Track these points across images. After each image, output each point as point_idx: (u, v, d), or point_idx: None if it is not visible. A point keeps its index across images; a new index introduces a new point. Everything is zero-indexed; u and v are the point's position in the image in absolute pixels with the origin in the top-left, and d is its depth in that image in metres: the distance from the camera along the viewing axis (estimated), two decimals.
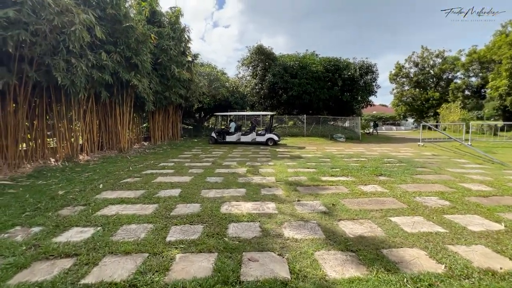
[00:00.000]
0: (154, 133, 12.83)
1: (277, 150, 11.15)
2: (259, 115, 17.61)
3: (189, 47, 14.27)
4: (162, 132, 13.45)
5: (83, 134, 8.73)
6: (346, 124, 20.92)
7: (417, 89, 35.75)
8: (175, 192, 4.63)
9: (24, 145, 7.00)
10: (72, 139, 7.66)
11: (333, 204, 3.93)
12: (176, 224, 3.22)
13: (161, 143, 13.04)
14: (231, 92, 17.28)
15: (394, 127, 51.55)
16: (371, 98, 21.35)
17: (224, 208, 3.78)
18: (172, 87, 12.19)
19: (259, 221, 3.32)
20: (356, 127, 18.01)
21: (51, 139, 7.72)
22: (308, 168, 6.92)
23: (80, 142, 8.67)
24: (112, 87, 8.81)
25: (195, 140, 15.70)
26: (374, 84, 20.70)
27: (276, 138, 12.72)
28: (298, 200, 4.17)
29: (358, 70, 19.30)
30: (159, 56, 11.31)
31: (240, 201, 4.11)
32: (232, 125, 13.36)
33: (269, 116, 14.40)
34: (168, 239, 2.83)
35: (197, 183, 5.24)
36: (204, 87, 14.72)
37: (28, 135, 6.99)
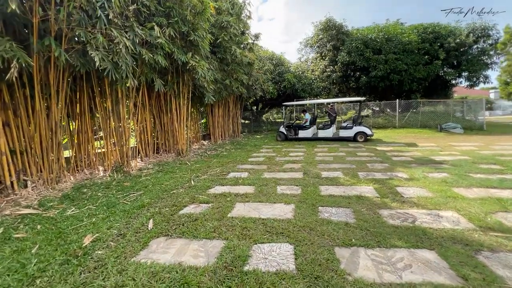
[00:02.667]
0: (214, 130, 11.11)
1: (380, 149, 8.09)
2: (339, 103, 14.39)
3: (249, 26, 12.04)
4: (222, 129, 11.68)
5: (136, 135, 7.26)
6: (442, 108, 16.03)
7: None
8: (285, 254, 2.29)
9: (69, 152, 5.69)
10: (122, 142, 6.14)
11: None
12: None
13: (221, 141, 11.27)
14: (297, 78, 14.62)
15: (486, 112, 41.54)
16: (487, 73, 15.90)
17: None
18: (233, 73, 10.16)
19: None
20: (475, 114, 13.27)
21: (99, 142, 6.36)
22: (496, 187, 3.85)
23: (134, 144, 7.25)
24: (165, 74, 7.11)
25: (258, 136, 13.60)
26: (492, 52, 15.29)
27: (368, 132, 9.61)
28: None
29: (470, 35, 14.32)
30: (218, 36, 9.33)
31: None
32: (307, 117, 10.70)
33: (343, 103, 11.25)
34: None
35: (311, 224, 2.84)
36: (269, 72, 12.35)
37: (73, 138, 5.65)
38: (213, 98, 8.52)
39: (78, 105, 5.48)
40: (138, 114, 6.97)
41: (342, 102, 14.29)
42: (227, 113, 11.94)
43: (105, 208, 3.71)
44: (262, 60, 13.55)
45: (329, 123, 10.38)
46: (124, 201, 3.98)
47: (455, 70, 15.22)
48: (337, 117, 10.84)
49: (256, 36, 12.70)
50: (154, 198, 4.11)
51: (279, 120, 22.98)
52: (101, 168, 6.03)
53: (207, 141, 11.32)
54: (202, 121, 12.81)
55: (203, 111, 12.09)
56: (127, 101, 6.31)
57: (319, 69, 16.73)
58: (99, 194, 4.38)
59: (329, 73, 16.16)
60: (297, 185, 4.43)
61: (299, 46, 19.61)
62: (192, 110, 10.54)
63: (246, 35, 11.86)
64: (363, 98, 9.64)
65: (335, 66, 15.83)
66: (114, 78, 4.88)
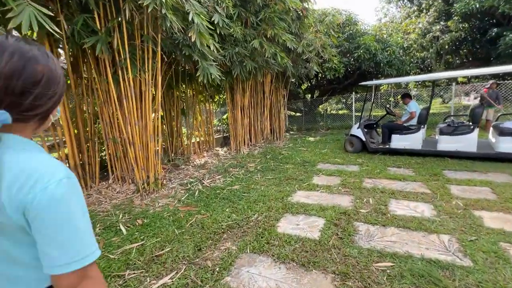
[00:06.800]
0: (234, 132, 6.83)
1: None
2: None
3: None
4: (251, 129, 7.33)
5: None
6: None
7: None
8: None
9: None
10: None
11: None
12: None
13: (248, 149, 6.95)
14: (382, 43, 9.03)
15: None
16: None
17: None
18: (267, 28, 5.61)
19: None
20: None
21: None
22: None
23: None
24: (85, 9, 3.09)
25: (311, 139, 8.80)
26: None
27: None
28: None
29: None
30: None
31: None
32: (413, 108, 5.44)
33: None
34: None
35: None
36: (333, 29, 7.23)
37: None
38: (218, 75, 4.19)
39: None
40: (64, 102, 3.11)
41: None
42: (260, 103, 7.50)
43: None
44: (321, 18, 8.47)
45: (471, 122, 4.96)
46: None
47: None
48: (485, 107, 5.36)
49: None
50: None
51: (341, 112, 17.41)
52: None
53: (225, 149, 7.15)
54: (224, 116, 8.68)
55: (222, 101, 7.88)
56: None
57: (416, 30, 10.68)
58: None
59: (436, 34, 9.95)
60: None
61: (378, 5, 13.57)
62: (198, 97, 6.47)
63: None
64: None
65: (449, 22, 9.63)
66: None
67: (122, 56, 3.40)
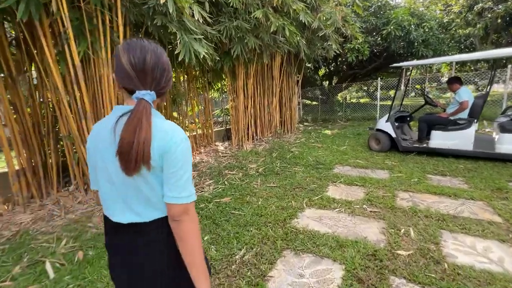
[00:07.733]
0: (236, 125, 5.86)
1: None
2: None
3: None
4: (256, 119, 6.32)
5: None
6: None
7: None
8: None
9: None
10: None
11: None
12: None
13: (253, 144, 5.99)
14: (418, 17, 7.52)
15: None
16: None
17: None
18: None
19: None
20: None
21: None
22: None
23: None
24: None
25: (327, 132, 7.67)
26: None
27: None
28: None
29: None
30: None
31: None
32: (464, 95, 4.17)
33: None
34: None
35: None
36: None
37: None
38: (207, 53, 3.23)
39: None
40: None
41: None
42: (267, 90, 6.44)
43: None
44: None
45: None
46: None
47: None
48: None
49: None
50: None
51: (362, 101, 15.86)
52: None
53: (226, 144, 6.23)
54: (227, 106, 7.68)
55: (225, 88, 6.88)
56: None
57: (460, 1, 8.92)
58: None
59: (488, 5, 8.18)
60: None
61: None
62: (194, 83, 5.53)
63: None
64: None
65: None
66: None
67: (66, 26, 2.49)
